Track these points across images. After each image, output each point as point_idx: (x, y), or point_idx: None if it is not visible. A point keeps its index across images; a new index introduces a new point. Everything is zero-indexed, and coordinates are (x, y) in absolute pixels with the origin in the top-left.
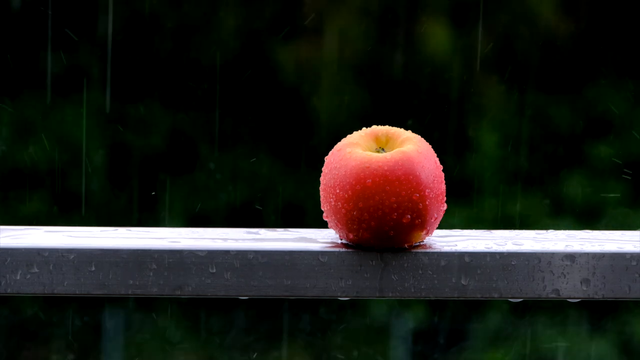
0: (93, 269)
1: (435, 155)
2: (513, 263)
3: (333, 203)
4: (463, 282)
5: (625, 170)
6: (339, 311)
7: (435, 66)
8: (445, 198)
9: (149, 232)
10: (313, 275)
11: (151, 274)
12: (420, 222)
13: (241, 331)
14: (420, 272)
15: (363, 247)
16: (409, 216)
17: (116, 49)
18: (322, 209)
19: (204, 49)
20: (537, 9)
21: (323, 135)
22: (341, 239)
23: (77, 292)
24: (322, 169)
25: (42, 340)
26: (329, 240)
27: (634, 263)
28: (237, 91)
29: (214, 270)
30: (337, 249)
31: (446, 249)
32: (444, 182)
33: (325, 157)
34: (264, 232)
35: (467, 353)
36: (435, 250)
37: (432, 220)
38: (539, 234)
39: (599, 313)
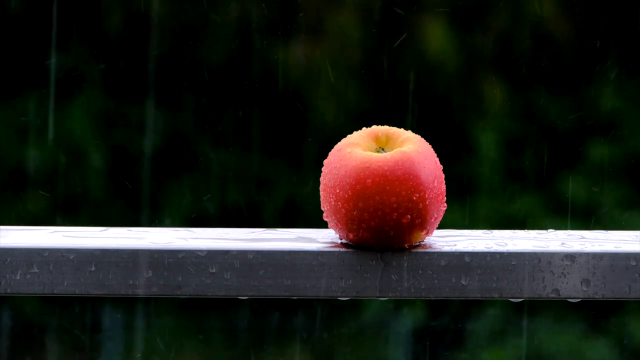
0: (93, 269)
1: (435, 155)
2: (513, 263)
3: (333, 203)
4: (463, 282)
5: (625, 170)
6: (339, 311)
7: (435, 66)
8: (445, 198)
9: (148, 232)
10: (313, 275)
11: (151, 274)
12: (420, 222)
13: (241, 331)
14: (420, 272)
15: (363, 247)
16: (409, 216)
17: (116, 49)
18: (322, 209)
19: (204, 48)
20: (538, 9)
21: (323, 135)
22: (341, 239)
23: (77, 292)
24: (322, 169)
25: (42, 340)
26: (329, 240)
27: (634, 263)
28: (236, 91)
29: (214, 270)
30: (337, 249)
31: (446, 249)
32: (444, 182)
33: (325, 158)
34: (264, 232)
35: (467, 353)
36: (435, 250)
37: (432, 220)
38: (539, 234)
39: (599, 313)
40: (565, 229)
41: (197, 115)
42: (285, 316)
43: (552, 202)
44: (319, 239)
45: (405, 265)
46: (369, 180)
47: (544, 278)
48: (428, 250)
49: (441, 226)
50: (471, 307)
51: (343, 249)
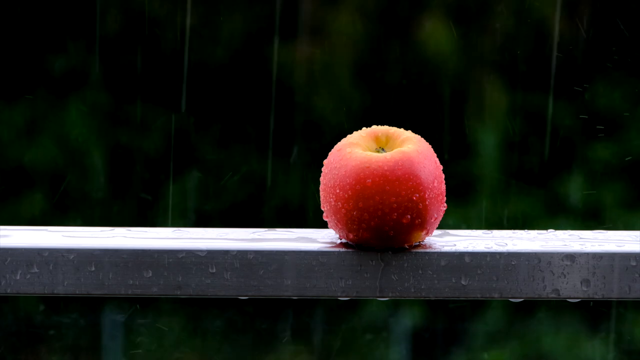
0: (93, 269)
1: (435, 155)
2: (513, 263)
3: (333, 203)
4: (463, 282)
5: (625, 170)
6: (339, 311)
7: (435, 66)
8: (445, 198)
9: (148, 232)
10: (313, 275)
11: (151, 274)
12: (420, 222)
13: (241, 331)
14: (420, 272)
15: (363, 247)
16: (409, 216)
17: (116, 49)
18: (322, 209)
19: (204, 48)
20: (538, 9)
21: (323, 135)
22: (341, 239)
23: (77, 292)
24: (322, 169)
25: (42, 340)
26: (329, 240)
27: (634, 263)
28: (236, 91)
29: (214, 270)
30: (337, 249)
31: (446, 249)
32: (444, 182)
33: (325, 158)
34: (264, 232)
35: (467, 353)
36: (435, 250)
37: (432, 220)
38: (539, 234)
39: (599, 313)
40: (565, 229)
41: (197, 115)
42: (285, 316)
43: (552, 202)
44: (319, 239)
45: (405, 265)
46: (369, 180)
47: (544, 278)
48: (428, 250)
49: (441, 226)
50: (471, 307)
51: (343, 249)
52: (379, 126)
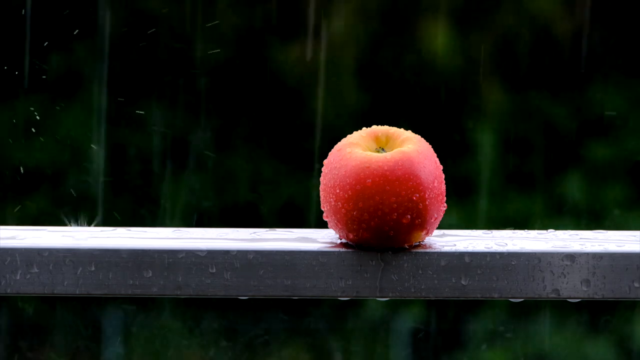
0: (93, 269)
1: (435, 155)
2: (513, 263)
3: (333, 203)
4: (463, 282)
5: (625, 170)
6: (339, 311)
7: (435, 66)
8: (445, 198)
9: (148, 232)
10: (313, 275)
11: (151, 274)
12: (420, 222)
13: (241, 331)
14: (420, 272)
15: (363, 247)
16: (409, 216)
17: (115, 49)
18: (322, 209)
19: (204, 48)
20: (538, 9)
21: (323, 135)
22: (341, 239)
23: (77, 292)
24: (322, 169)
25: (42, 340)
26: (329, 240)
27: (634, 263)
28: (236, 91)
29: (214, 270)
30: (337, 249)
31: (446, 249)
32: (444, 182)
33: (325, 158)
34: (264, 232)
35: (467, 353)
36: (435, 250)
37: (432, 220)
38: (539, 234)
39: (599, 313)
40: (565, 229)
41: (197, 115)
42: (285, 316)
43: (552, 202)
44: (319, 239)
45: (405, 265)
46: (369, 180)
47: (544, 278)
48: (428, 250)
49: (441, 226)
50: (471, 307)
51: (343, 249)
52: (379, 126)
